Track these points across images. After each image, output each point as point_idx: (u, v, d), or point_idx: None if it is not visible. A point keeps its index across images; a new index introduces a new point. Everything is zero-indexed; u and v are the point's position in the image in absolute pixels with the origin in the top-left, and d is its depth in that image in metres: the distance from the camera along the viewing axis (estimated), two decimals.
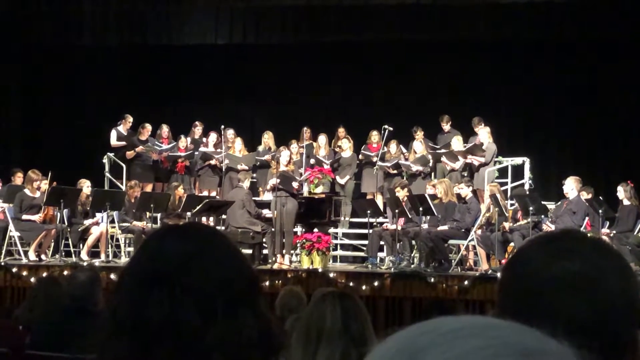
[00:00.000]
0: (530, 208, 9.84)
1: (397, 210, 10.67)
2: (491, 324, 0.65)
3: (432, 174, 12.56)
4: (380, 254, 11.31)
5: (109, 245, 11.19)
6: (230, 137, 13.04)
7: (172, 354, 1.16)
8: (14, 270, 10.31)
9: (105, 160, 12.90)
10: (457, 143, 12.13)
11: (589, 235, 1.21)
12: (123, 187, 12.29)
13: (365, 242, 11.54)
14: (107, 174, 12.87)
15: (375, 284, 9.84)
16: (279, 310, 5.19)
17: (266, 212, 11.25)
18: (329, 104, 15.03)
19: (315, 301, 2.83)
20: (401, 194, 11.02)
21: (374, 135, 12.90)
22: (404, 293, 9.77)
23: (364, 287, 9.76)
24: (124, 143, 12.91)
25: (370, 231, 11.07)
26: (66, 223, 10.90)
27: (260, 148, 13.09)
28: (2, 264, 10.48)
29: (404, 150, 12.78)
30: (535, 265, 1.08)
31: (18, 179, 11.84)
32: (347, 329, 2.66)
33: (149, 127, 13.15)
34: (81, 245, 11.12)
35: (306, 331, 2.68)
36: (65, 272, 9.43)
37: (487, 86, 14.38)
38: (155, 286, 1.19)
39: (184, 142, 13.06)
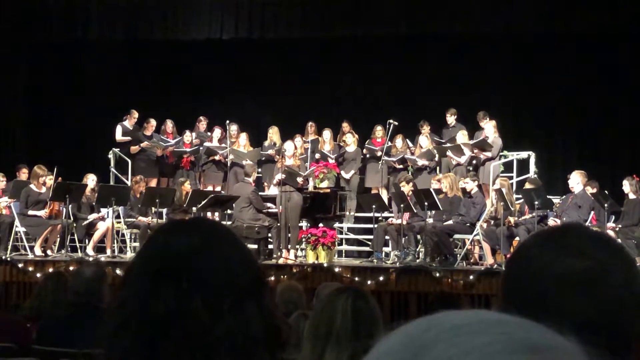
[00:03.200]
0: (536, 202, 9.84)
1: (402, 205, 10.67)
2: (498, 320, 0.64)
3: (437, 168, 12.54)
4: (386, 249, 11.31)
5: (115, 241, 11.22)
6: (233, 132, 13.01)
7: (178, 348, 1.16)
8: (20, 265, 10.34)
9: (110, 156, 12.92)
10: (462, 137, 12.12)
11: (590, 229, 1.20)
12: (128, 183, 12.31)
13: (371, 236, 11.55)
14: (113, 169, 12.89)
15: (381, 278, 9.84)
16: (283, 306, 5.18)
17: (271, 207, 11.25)
18: (334, 98, 15.02)
19: (328, 297, 2.74)
20: (406, 188, 11.02)
21: (379, 131, 12.89)
22: (409, 288, 9.76)
23: (369, 282, 9.76)
24: (129, 138, 12.92)
25: (376, 226, 11.07)
26: (72, 218, 10.93)
27: (266, 143, 13.08)
28: (8, 259, 10.51)
29: (410, 144, 12.76)
30: (538, 263, 1.07)
31: (23, 174, 11.87)
32: (357, 332, 2.57)
33: (153, 122, 13.15)
34: (87, 241, 11.14)
35: (315, 327, 2.62)
36: (71, 268, 9.45)
37: (492, 80, 14.33)
38: (162, 280, 1.19)
39: (189, 137, 13.08)
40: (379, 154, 12.39)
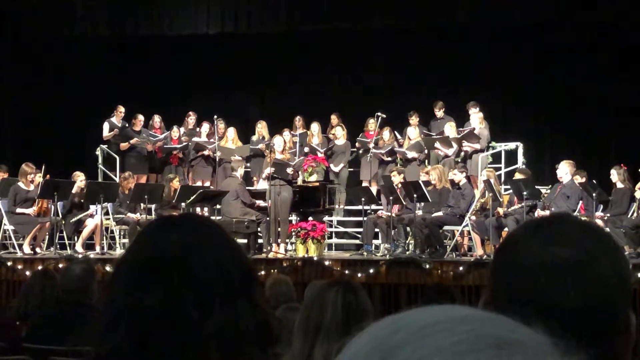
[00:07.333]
0: (524, 193, 9.86)
1: (391, 197, 10.68)
2: (465, 317, 0.64)
3: (426, 160, 12.55)
4: (375, 241, 11.33)
5: (104, 237, 11.17)
6: (221, 128, 12.96)
7: (169, 345, 1.15)
8: (9, 263, 10.29)
9: (98, 152, 12.88)
10: (450, 130, 12.12)
11: (578, 218, 1.20)
12: (117, 179, 12.26)
13: (360, 229, 11.55)
14: (101, 166, 12.85)
15: (371, 271, 9.84)
16: (273, 300, 5.17)
17: (260, 202, 11.24)
18: (322, 92, 15.00)
19: (318, 291, 2.72)
20: (397, 179, 11.03)
21: (371, 124, 12.85)
22: (399, 280, 9.78)
23: (359, 275, 9.76)
24: (115, 132, 12.85)
25: (365, 219, 11.08)
26: (60, 216, 10.89)
27: (254, 137, 13.05)
28: None
29: (398, 136, 12.77)
30: (525, 251, 1.07)
31: None
32: (347, 325, 2.53)
33: (141, 117, 13.12)
34: (76, 238, 11.10)
35: (305, 321, 2.60)
36: (60, 265, 9.43)
37: (480, 71, 14.35)
38: (152, 277, 1.19)
39: (176, 132, 13.04)
40: (371, 146, 12.37)
